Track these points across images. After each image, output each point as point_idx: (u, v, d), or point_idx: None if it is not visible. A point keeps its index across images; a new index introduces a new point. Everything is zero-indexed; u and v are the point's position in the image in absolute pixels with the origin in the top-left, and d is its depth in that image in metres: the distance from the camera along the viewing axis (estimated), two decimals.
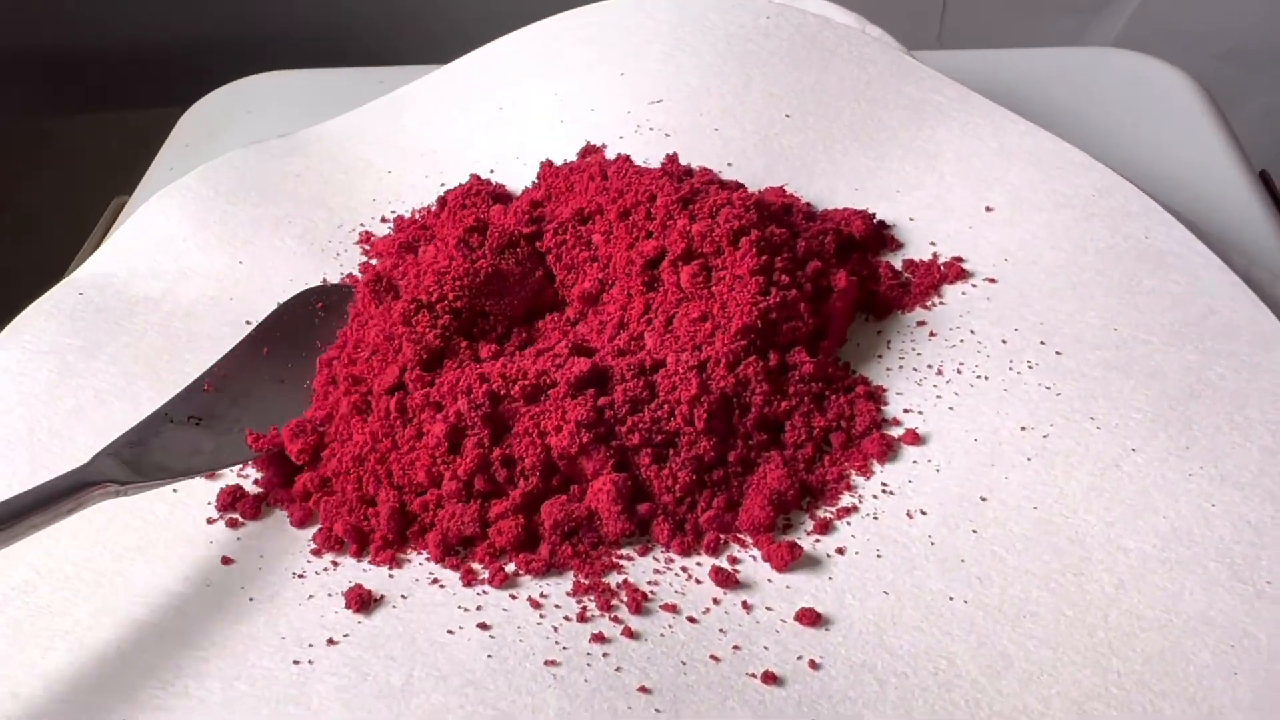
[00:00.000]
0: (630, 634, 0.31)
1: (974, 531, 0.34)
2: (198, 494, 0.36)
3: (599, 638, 0.31)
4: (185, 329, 0.43)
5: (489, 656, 0.31)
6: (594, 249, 0.42)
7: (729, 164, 0.48)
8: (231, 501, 0.36)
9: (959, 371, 0.39)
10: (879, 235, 0.45)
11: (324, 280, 0.45)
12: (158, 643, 0.31)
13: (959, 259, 0.43)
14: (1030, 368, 0.39)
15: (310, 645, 0.31)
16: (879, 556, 0.33)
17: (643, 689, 0.30)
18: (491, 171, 0.49)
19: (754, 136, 0.49)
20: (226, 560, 0.34)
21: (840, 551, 0.34)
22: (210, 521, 0.35)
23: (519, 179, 0.48)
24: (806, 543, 0.34)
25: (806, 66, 0.51)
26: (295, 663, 0.31)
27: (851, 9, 0.55)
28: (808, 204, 0.46)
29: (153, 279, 0.45)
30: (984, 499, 0.35)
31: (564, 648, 0.31)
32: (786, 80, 0.50)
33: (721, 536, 0.34)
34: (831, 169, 0.48)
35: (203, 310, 0.44)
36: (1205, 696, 0.29)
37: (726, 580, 0.33)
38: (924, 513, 0.35)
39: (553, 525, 0.34)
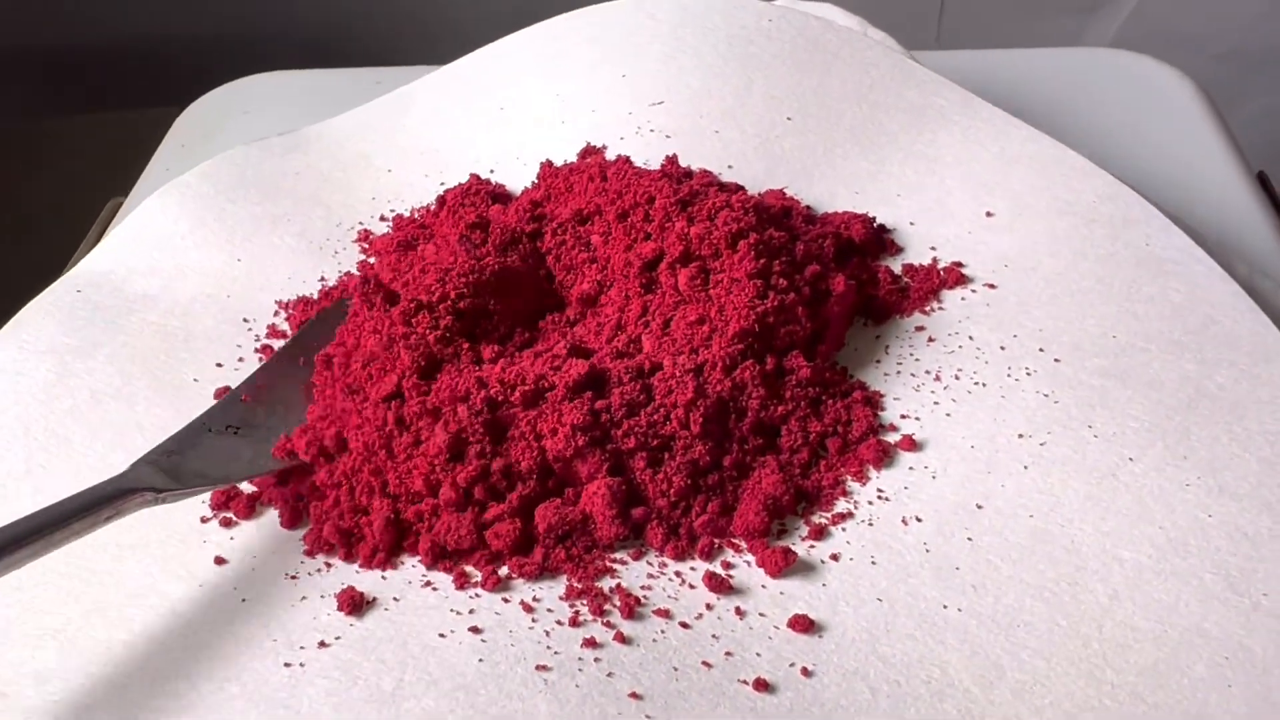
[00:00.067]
0: (622, 639, 0.31)
1: (969, 539, 0.34)
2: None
3: (591, 643, 0.31)
4: (182, 327, 0.43)
5: (480, 661, 0.31)
6: (593, 250, 0.42)
7: (729, 166, 0.47)
8: (225, 500, 0.36)
9: (957, 378, 0.39)
10: (878, 239, 0.45)
11: (322, 279, 0.45)
12: (149, 643, 0.31)
13: (959, 264, 0.43)
14: (1028, 375, 0.38)
15: (302, 648, 0.31)
16: (873, 563, 0.33)
17: (634, 695, 0.30)
18: (491, 171, 0.49)
19: (754, 139, 0.48)
20: (220, 560, 0.34)
21: (835, 558, 0.34)
22: (204, 520, 0.35)
23: (519, 179, 0.48)
24: (801, 548, 0.34)
25: (808, 69, 0.50)
26: (286, 665, 0.30)
27: (851, 10, 0.54)
28: (807, 207, 0.46)
29: (150, 276, 0.45)
30: (980, 506, 0.35)
31: (556, 652, 0.31)
32: (788, 83, 0.50)
33: (716, 541, 0.34)
34: (832, 172, 0.47)
35: (200, 308, 0.43)
36: (1199, 710, 0.29)
37: (720, 585, 0.33)
38: (919, 519, 0.34)
39: (547, 529, 0.34)
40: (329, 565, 0.34)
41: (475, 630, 0.31)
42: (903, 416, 0.38)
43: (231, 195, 0.48)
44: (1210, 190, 0.49)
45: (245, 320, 0.43)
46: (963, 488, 0.35)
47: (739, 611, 0.32)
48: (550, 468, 0.35)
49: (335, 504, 0.35)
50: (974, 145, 0.48)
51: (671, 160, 0.47)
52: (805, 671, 0.30)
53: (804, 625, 0.32)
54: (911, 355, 0.40)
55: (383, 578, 0.33)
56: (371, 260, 0.46)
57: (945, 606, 0.32)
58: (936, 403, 0.38)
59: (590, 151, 0.48)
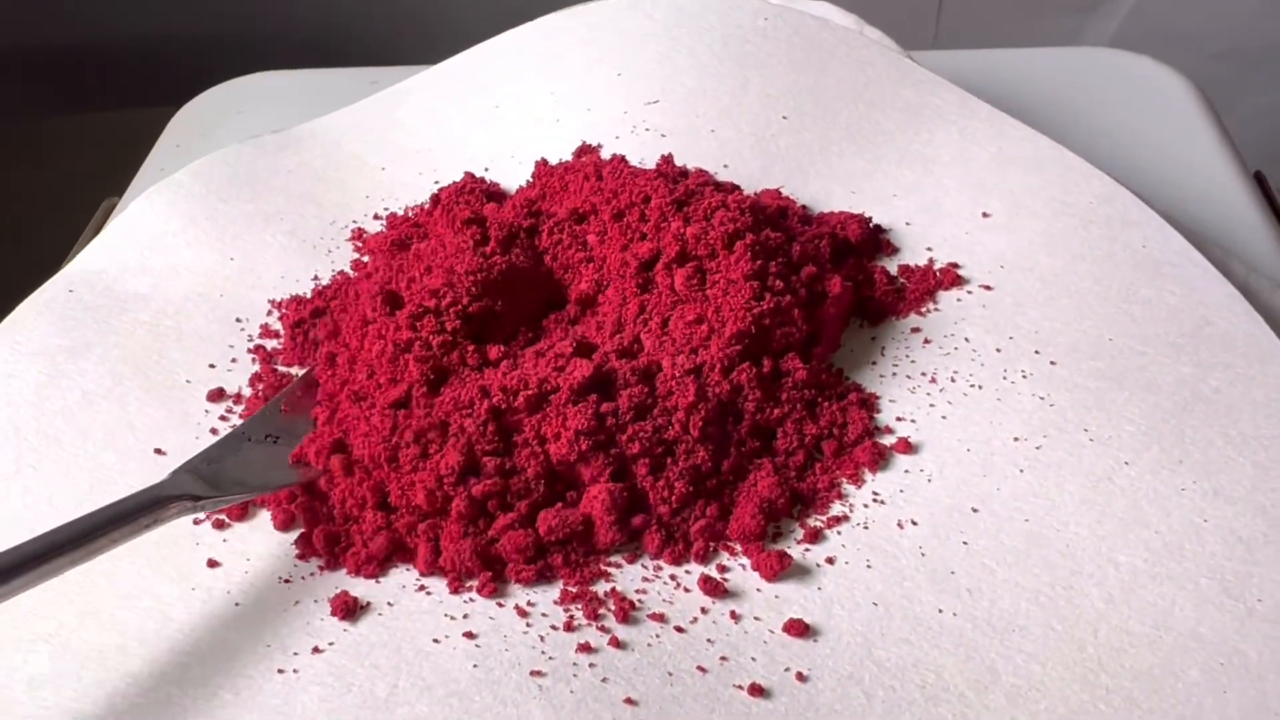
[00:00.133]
0: (617, 644, 0.31)
1: (965, 543, 0.34)
2: None
3: (585, 647, 0.31)
4: (174, 326, 0.42)
5: (474, 666, 0.30)
6: (589, 250, 0.42)
7: (725, 165, 0.47)
8: None
9: (953, 380, 0.39)
10: (875, 240, 0.44)
11: (316, 277, 0.45)
12: (141, 647, 0.31)
13: (955, 265, 0.43)
14: (1024, 377, 0.38)
15: (295, 653, 0.31)
16: (869, 567, 0.33)
17: (629, 700, 0.30)
18: (486, 170, 0.49)
19: (750, 138, 0.48)
20: (213, 563, 0.34)
21: (830, 561, 0.34)
22: (197, 522, 0.35)
23: (514, 178, 0.48)
24: (796, 552, 0.34)
25: (804, 68, 0.50)
26: (280, 671, 0.30)
27: (849, 10, 0.54)
28: (803, 206, 0.46)
29: (142, 275, 0.44)
30: (975, 510, 0.34)
31: (550, 658, 0.31)
32: (784, 82, 0.50)
33: (711, 545, 0.34)
34: (828, 171, 0.47)
35: (192, 307, 0.43)
36: (1194, 714, 0.29)
37: (715, 589, 0.33)
38: (915, 523, 0.34)
39: (547, 531, 0.34)
40: (322, 569, 0.34)
41: (469, 635, 0.31)
42: (898, 419, 0.38)
43: (224, 194, 0.48)
44: (1206, 190, 0.49)
45: (238, 320, 0.43)
46: (958, 491, 0.35)
47: (734, 615, 0.32)
48: (556, 472, 0.35)
49: (328, 510, 0.35)
50: (971, 145, 0.47)
51: (667, 159, 0.46)
52: (800, 676, 0.30)
53: (799, 629, 0.32)
54: (907, 357, 0.40)
55: (376, 582, 0.33)
56: (365, 259, 0.46)
57: (940, 610, 0.32)
58: (932, 405, 0.38)
59: (585, 150, 0.48)
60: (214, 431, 0.38)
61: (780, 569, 0.33)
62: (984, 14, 0.87)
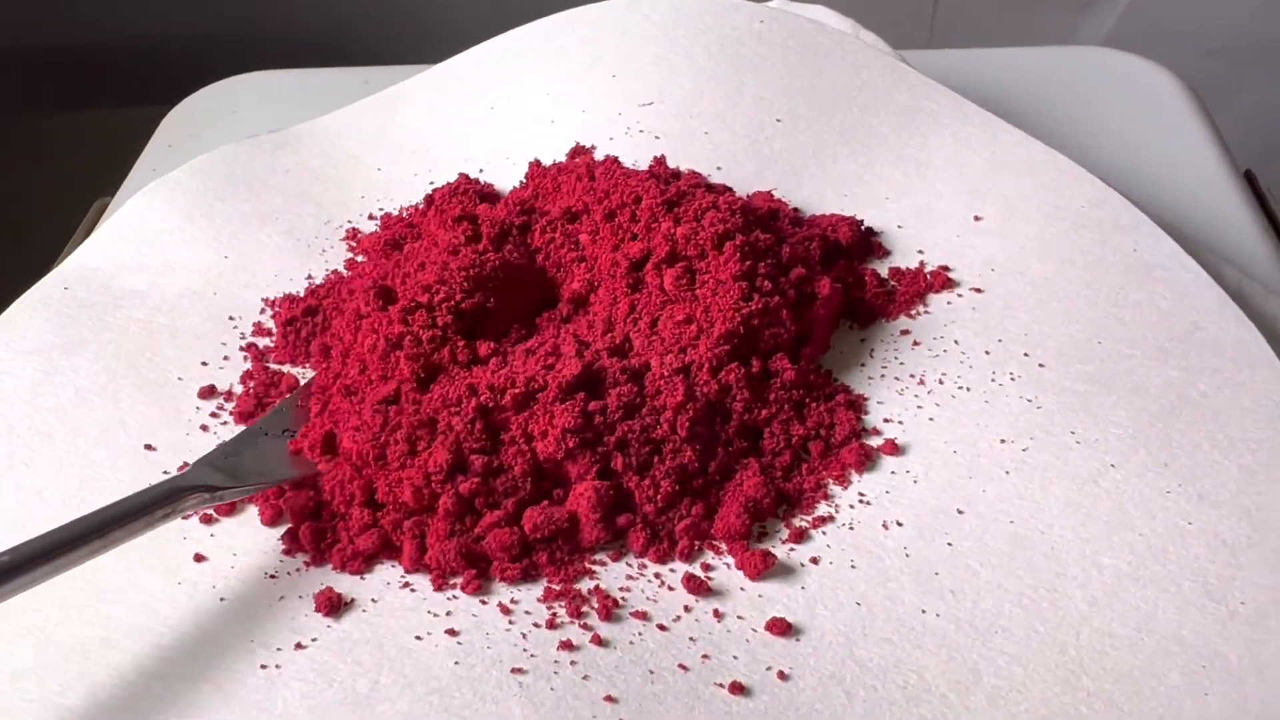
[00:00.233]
0: (599, 641, 0.31)
1: (949, 544, 0.34)
2: None
3: (567, 645, 0.31)
4: (169, 324, 0.43)
5: (456, 664, 0.31)
6: (581, 249, 0.42)
7: (718, 168, 0.47)
8: None
9: (941, 382, 0.39)
10: (866, 242, 0.44)
11: (309, 277, 0.45)
12: (125, 641, 0.31)
13: (945, 268, 0.43)
14: (1012, 380, 0.38)
15: (278, 649, 0.31)
16: (853, 567, 0.33)
17: (609, 698, 0.30)
18: (481, 170, 0.49)
19: (744, 141, 0.48)
20: (199, 557, 0.34)
21: (814, 561, 0.34)
22: (185, 516, 0.35)
23: (508, 178, 0.48)
24: (781, 551, 0.34)
25: (799, 71, 0.50)
26: (263, 667, 0.31)
27: (844, 10, 0.54)
28: (795, 209, 0.46)
29: (138, 273, 0.45)
30: (961, 511, 0.35)
31: (532, 655, 0.31)
32: (779, 85, 0.50)
33: (696, 544, 0.34)
34: (821, 174, 0.47)
35: (187, 305, 0.43)
36: (1174, 717, 0.29)
37: (699, 587, 0.33)
38: (900, 524, 0.34)
39: (532, 529, 0.34)
40: (308, 565, 0.34)
41: (452, 633, 0.31)
42: (886, 420, 0.38)
43: (221, 192, 0.48)
44: (1196, 188, 0.49)
45: (231, 318, 0.43)
46: (944, 492, 0.35)
47: (717, 614, 0.32)
48: (543, 470, 0.35)
49: (315, 506, 0.35)
50: (964, 149, 0.48)
51: (660, 161, 0.46)
52: (782, 675, 0.30)
53: (782, 628, 0.32)
54: (896, 359, 0.40)
55: (361, 579, 0.33)
56: (359, 259, 0.46)
57: (924, 611, 0.32)
58: (920, 407, 0.38)
59: (579, 151, 0.48)
60: (204, 428, 0.39)
61: (764, 568, 0.33)
62: (980, 12, 0.87)
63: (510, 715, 0.29)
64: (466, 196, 0.47)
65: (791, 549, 0.34)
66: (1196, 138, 0.53)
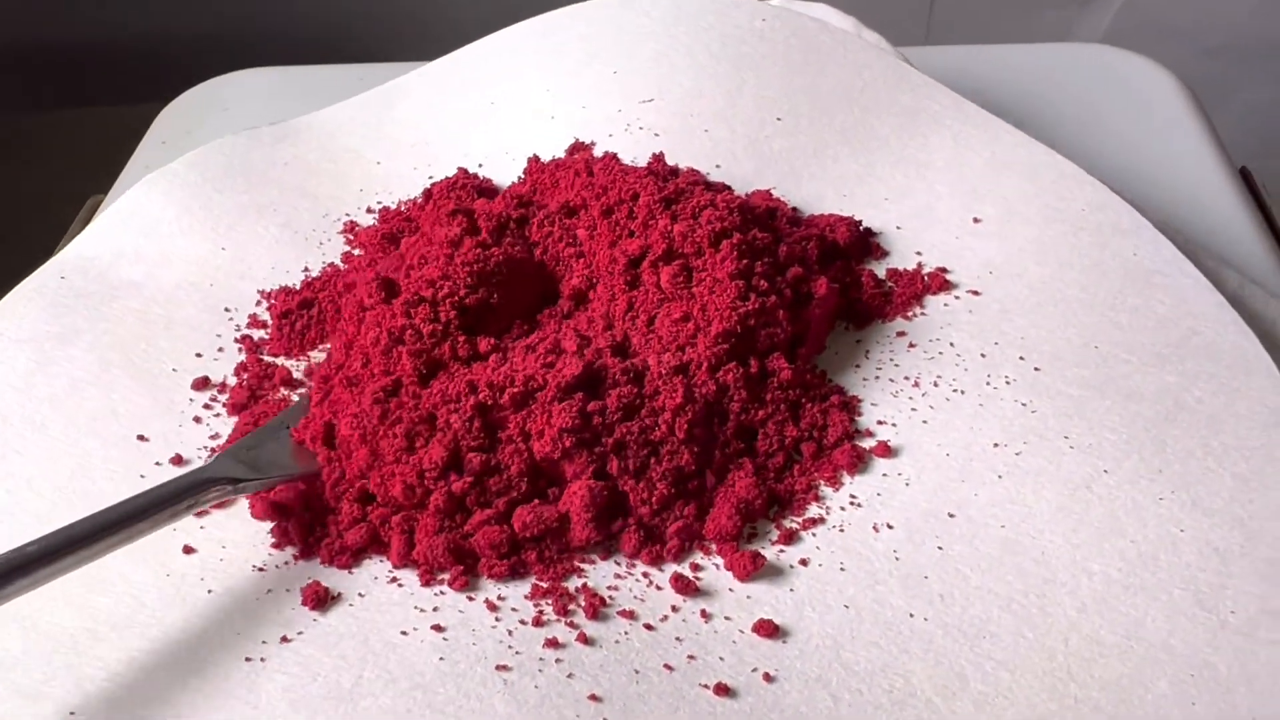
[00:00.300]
0: (585, 640, 0.31)
1: (939, 548, 0.33)
2: (163, 480, 0.36)
3: (553, 643, 0.31)
4: (164, 315, 0.43)
5: (440, 659, 0.30)
6: (579, 244, 0.42)
7: (717, 166, 0.47)
8: None
9: (935, 384, 0.39)
10: (863, 242, 0.44)
11: (306, 269, 0.45)
12: (112, 632, 0.31)
13: (943, 269, 0.43)
14: (1008, 383, 0.38)
15: (264, 642, 0.31)
16: (842, 570, 0.33)
17: (593, 697, 0.30)
18: (480, 166, 0.49)
19: (744, 139, 0.48)
20: (188, 549, 0.34)
21: (804, 563, 0.33)
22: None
23: (507, 174, 0.48)
24: (770, 553, 0.34)
25: (801, 70, 0.50)
26: (247, 659, 0.30)
27: (843, 7, 0.54)
28: (794, 208, 0.46)
29: (135, 263, 0.45)
30: (952, 515, 0.34)
31: (517, 652, 0.31)
32: (780, 83, 0.50)
33: (686, 544, 0.34)
34: (821, 174, 0.47)
35: (183, 296, 0.43)
36: None
37: (687, 587, 0.33)
38: (890, 527, 0.34)
39: (522, 528, 0.34)
40: (297, 558, 0.34)
41: (438, 628, 0.31)
42: (879, 422, 0.38)
43: (219, 184, 0.48)
44: (1191, 185, 0.49)
45: (226, 309, 0.43)
46: (935, 496, 0.35)
47: (704, 614, 0.32)
48: (540, 469, 0.35)
49: (306, 500, 0.35)
50: (965, 150, 0.47)
51: (658, 158, 0.46)
52: (767, 677, 0.30)
53: (769, 630, 0.31)
54: (891, 360, 0.40)
55: (349, 573, 0.33)
56: (356, 252, 0.46)
57: (912, 615, 0.32)
58: (914, 409, 0.38)
59: (578, 148, 0.48)
60: (197, 420, 0.39)
61: (753, 569, 0.33)
62: (977, 9, 0.87)
63: (493, 712, 0.29)
64: (465, 191, 0.47)
65: (781, 550, 0.34)
66: (1192, 135, 0.53)
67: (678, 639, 0.31)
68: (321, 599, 0.32)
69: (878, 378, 0.39)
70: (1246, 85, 0.83)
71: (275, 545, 0.34)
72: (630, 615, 0.32)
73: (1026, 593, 0.32)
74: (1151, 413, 0.37)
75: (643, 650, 0.31)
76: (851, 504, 0.35)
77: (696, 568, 0.34)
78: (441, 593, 0.33)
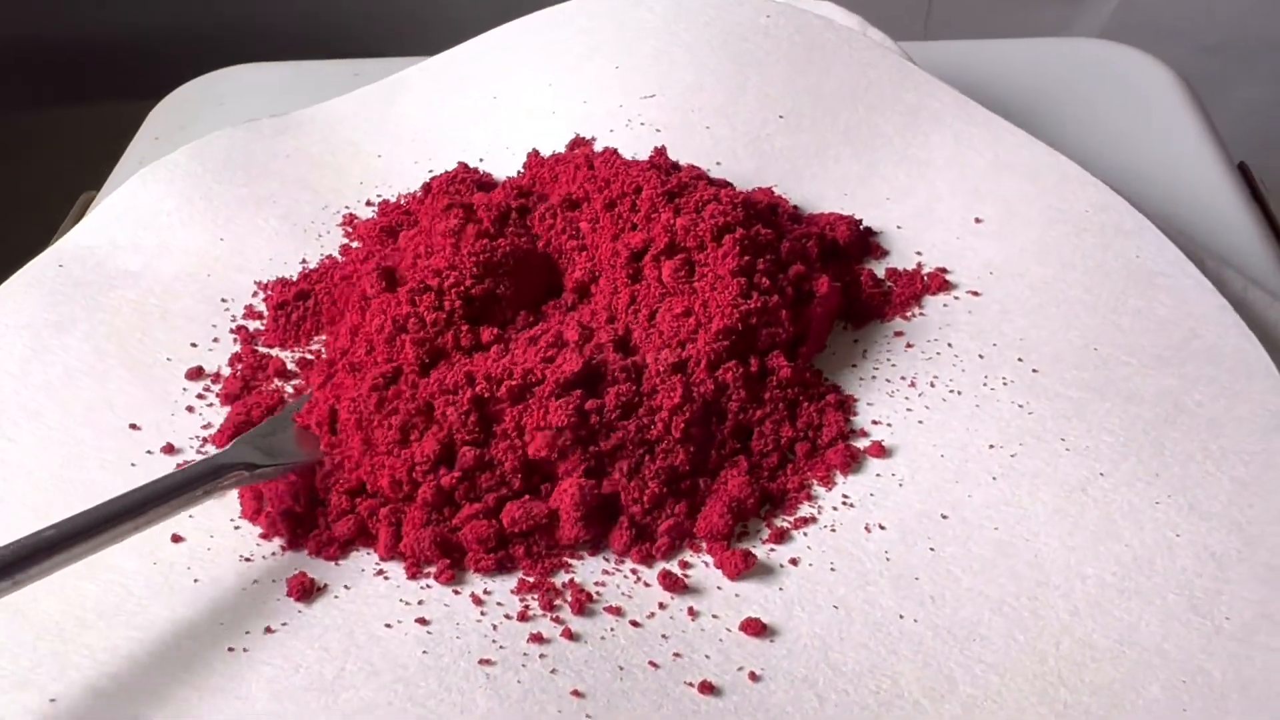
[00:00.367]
0: (570, 635, 0.31)
1: (931, 549, 0.33)
2: (154, 468, 0.36)
3: (537, 638, 0.31)
4: (160, 305, 0.43)
5: (424, 653, 0.30)
6: (581, 237, 0.42)
7: (718, 163, 0.47)
8: None
9: (932, 385, 0.38)
10: (863, 242, 0.44)
11: (304, 261, 0.45)
12: (98, 620, 0.31)
13: (943, 270, 0.43)
14: (1005, 384, 0.38)
15: (247, 632, 0.31)
16: (832, 569, 0.33)
17: (576, 693, 0.29)
18: (481, 160, 0.49)
19: (745, 137, 0.48)
20: (176, 538, 0.34)
21: (794, 562, 0.33)
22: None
23: (508, 168, 0.48)
24: (761, 551, 0.34)
25: (805, 68, 0.50)
26: (230, 650, 0.30)
27: (844, 3, 0.54)
28: (794, 206, 0.45)
29: (134, 253, 0.45)
30: (945, 516, 0.34)
31: (501, 647, 0.31)
32: (783, 81, 0.49)
33: (676, 542, 0.34)
34: (822, 173, 0.47)
35: (180, 286, 0.43)
36: None
37: (675, 585, 0.33)
38: (883, 527, 0.34)
39: (510, 523, 0.33)
40: (284, 549, 0.34)
41: (422, 621, 0.31)
42: (874, 422, 0.37)
43: (219, 175, 0.48)
44: (1190, 181, 0.49)
45: (223, 300, 0.43)
46: (929, 497, 0.35)
47: (692, 612, 0.32)
48: (533, 464, 0.34)
49: (296, 492, 0.35)
50: (967, 150, 0.47)
51: (660, 152, 0.46)
52: (753, 676, 0.30)
53: (756, 629, 0.31)
54: (888, 360, 0.39)
55: (336, 565, 0.33)
56: (355, 245, 0.46)
57: (902, 616, 0.31)
58: (909, 410, 0.37)
59: (579, 143, 0.48)
60: (190, 409, 0.39)
61: (743, 568, 0.33)
62: (975, 4, 0.86)
63: (474, 706, 0.29)
64: (464, 185, 0.46)
65: (772, 549, 0.34)
66: (1191, 131, 0.52)
67: (664, 636, 0.31)
68: (307, 590, 0.32)
69: (874, 377, 0.39)
70: (1244, 82, 0.83)
71: (263, 536, 0.34)
72: (617, 612, 0.32)
73: (1019, 595, 0.32)
74: (1150, 415, 0.36)
75: (628, 647, 0.31)
76: (844, 504, 0.35)
77: (686, 565, 0.33)
78: (428, 586, 0.32)
